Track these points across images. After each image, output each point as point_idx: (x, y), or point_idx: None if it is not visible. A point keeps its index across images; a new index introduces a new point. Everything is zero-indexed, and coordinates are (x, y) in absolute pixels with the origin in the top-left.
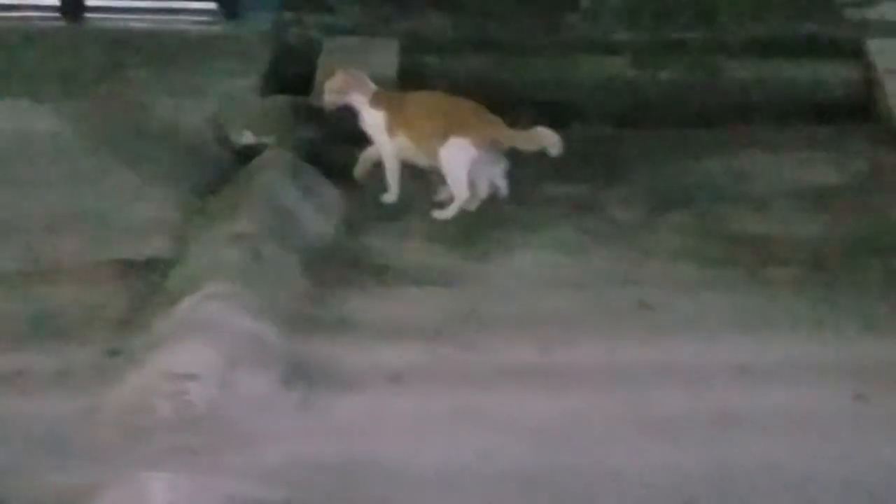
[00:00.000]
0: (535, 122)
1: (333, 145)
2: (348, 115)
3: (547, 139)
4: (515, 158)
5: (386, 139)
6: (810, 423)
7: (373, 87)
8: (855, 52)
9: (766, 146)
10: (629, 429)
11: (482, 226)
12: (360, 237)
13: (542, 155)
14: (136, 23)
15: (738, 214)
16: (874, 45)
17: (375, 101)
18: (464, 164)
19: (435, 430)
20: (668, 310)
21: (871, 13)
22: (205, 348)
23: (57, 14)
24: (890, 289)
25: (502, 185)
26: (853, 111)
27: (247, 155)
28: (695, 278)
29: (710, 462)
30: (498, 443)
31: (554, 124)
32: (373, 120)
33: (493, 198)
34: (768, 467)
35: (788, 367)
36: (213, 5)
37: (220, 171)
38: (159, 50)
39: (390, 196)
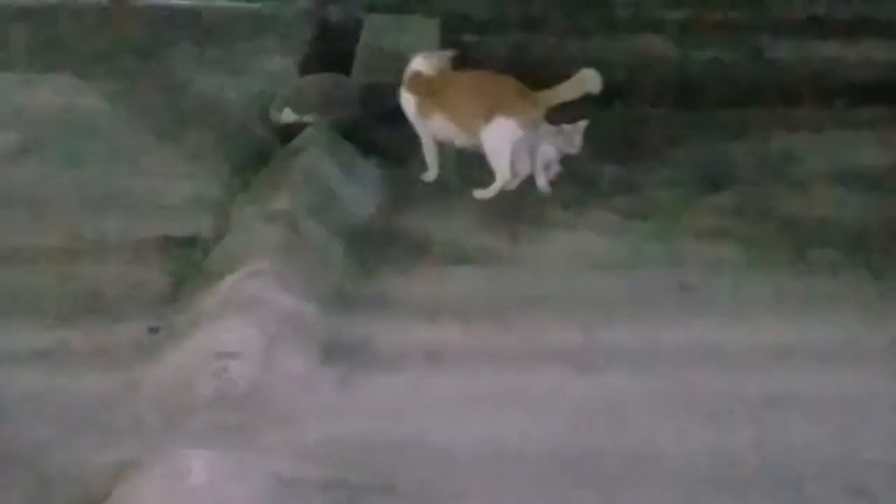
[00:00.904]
0: (578, 102)
1: (374, 124)
2: (383, 94)
3: (589, 81)
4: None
5: (417, 121)
6: (853, 405)
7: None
8: None
9: (809, 127)
10: (670, 410)
11: (523, 206)
12: (400, 216)
13: (587, 136)
14: (179, 1)
15: (780, 195)
16: None
17: (410, 83)
18: (507, 144)
19: (475, 409)
20: (709, 291)
21: None
22: (245, 326)
23: None
24: None
25: (550, 173)
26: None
27: (288, 133)
28: (736, 260)
29: (752, 444)
30: (538, 423)
31: (595, 104)
32: (405, 103)
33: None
34: (811, 450)
35: (831, 350)
36: None
37: (261, 149)
38: (201, 28)
39: (429, 175)
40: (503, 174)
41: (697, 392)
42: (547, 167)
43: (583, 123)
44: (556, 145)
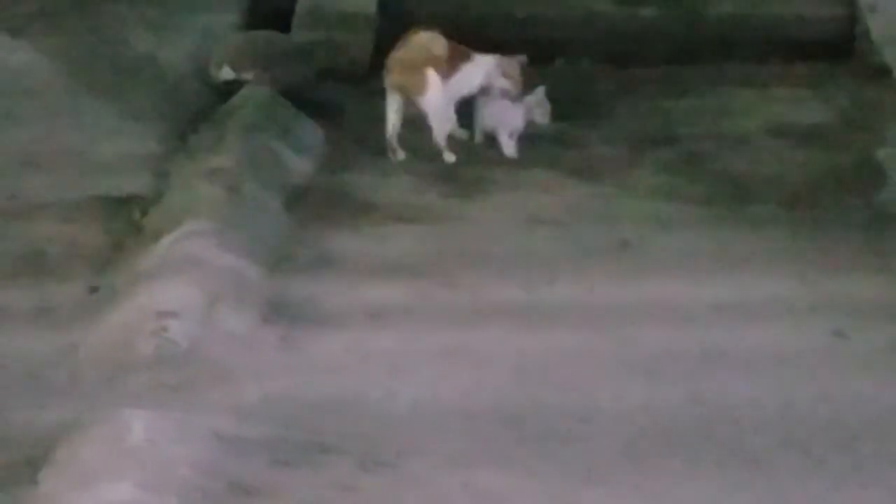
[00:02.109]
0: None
1: (314, 82)
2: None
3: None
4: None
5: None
6: (790, 360)
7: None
8: None
9: (748, 84)
10: (611, 366)
11: (464, 164)
12: (341, 175)
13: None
14: None
15: (719, 152)
16: None
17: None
18: (439, 102)
19: (417, 367)
20: (649, 248)
21: None
22: (185, 286)
23: None
24: (871, 227)
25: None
26: (836, 49)
27: (227, 91)
28: (676, 216)
29: (691, 400)
30: (480, 380)
31: (537, 61)
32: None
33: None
34: (749, 404)
35: (769, 305)
36: None
37: (200, 107)
38: None
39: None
40: (438, 132)
41: (637, 348)
42: (512, 135)
43: (541, 91)
44: (527, 116)
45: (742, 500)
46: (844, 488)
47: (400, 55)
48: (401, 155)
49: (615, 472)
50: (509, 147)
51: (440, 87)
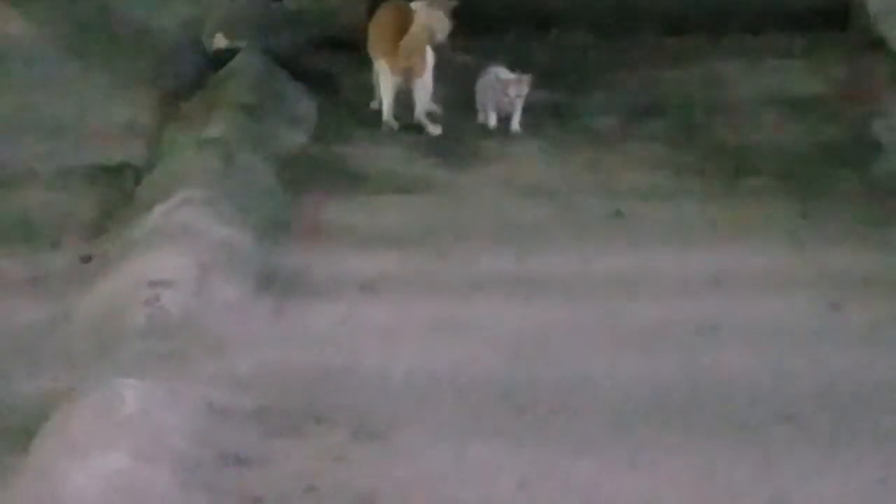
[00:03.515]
0: (514, 29)
1: (308, 51)
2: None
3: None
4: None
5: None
6: (785, 332)
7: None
8: None
9: (742, 55)
10: (604, 338)
11: (456, 135)
12: (334, 145)
13: (519, 62)
14: None
15: (713, 123)
16: None
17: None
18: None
19: (408, 338)
20: (642, 219)
21: None
22: (178, 255)
23: None
24: (865, 198)
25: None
26: (831, 19)
27: (220, 60)
28: (670, 187)
29: (685, 371)
30: (472, 352)
31: (532, 31)
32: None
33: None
34: (743, 376)
35: (763, 277)
36: None
37: (193, 75)
38: None
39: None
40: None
41: (631, 320)
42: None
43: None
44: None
45: (735, 471)
46: (838, 460)
47: (407, 42)
48: (395, 126)
49: (608, 444)
50: (492, 119)
51: (432, 63)
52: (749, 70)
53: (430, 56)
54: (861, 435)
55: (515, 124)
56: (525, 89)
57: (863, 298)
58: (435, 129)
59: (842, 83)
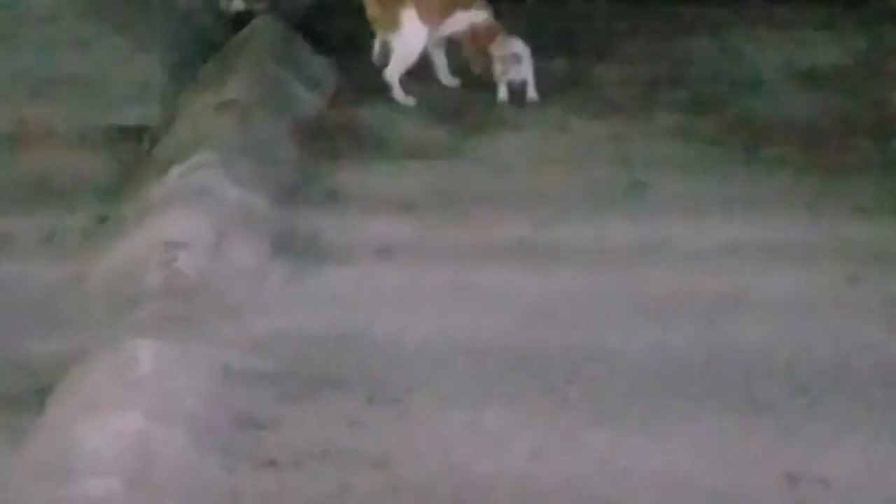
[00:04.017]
0: None
1: (325, 14)
2: None
3: None
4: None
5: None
6: (802, 304)
7: None
8: None
9: (761, 24)
10: (620, 307)
11: (475, 101)
12: (351, 109)
13: (532, 29)
14: None
15: (732, 93)
16: None
17: None
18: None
19: (425, 303)
20: (661, 189)
21: None
22: (194, 217)
23: None
24: (884, 171)
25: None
26: None
27: (238, 22)
28: (689, 158)
29: (701, 342)
30: (487, 318)
31: None
32: None
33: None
34: (760, 349)
35: (781, 249)
36: None
37: (211, 38)
38: None
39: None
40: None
41: (647, 290)
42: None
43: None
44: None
45: (749, 443)
46: (852, 434)
47: None
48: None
49: (622, 413)
50: (500, 92)
51: (418, 28)
52: (769, 40)
53: (408, 17)
54: (876, 408)
55: (532, 92)
56: (519, 61)
57: (881, 271)
58: (400, 96)
59: (862, 54)
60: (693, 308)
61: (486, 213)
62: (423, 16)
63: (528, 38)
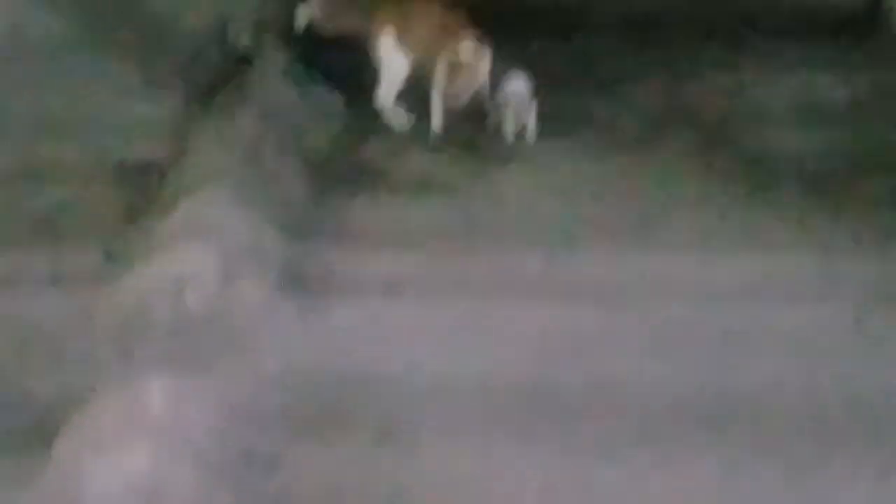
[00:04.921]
0: (537, 32)
1: (335, 51)
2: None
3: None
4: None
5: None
6: (812, 341)
7: None
8: None
9: (768, 62)
10: (630, 343)
11: (484, 136)
12: (360, 143)
13: (541, 65)
14: None
15: (741, 131)
16: None
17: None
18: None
19: (434, 340)
20: (670, 225)
21: None
22: (203, 252)
23: None
24: (893, 209)
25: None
26: (859, 27)
27: (246, 56)
28: (697, 195)
29: (712, 378)
30: (498, 354)
31: (555, 34)
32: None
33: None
34: (769, 385)
35: (790, 286)
36: None
37: (220, 73)
38: None
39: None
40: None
41: (657, 326)
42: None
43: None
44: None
45: (761, 481)
46: (865, 471)
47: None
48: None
49: (633, 450)
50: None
51: (397, 53)
52: (776, 78)
53: (385, 31)
54: (887, 447)
55: (531, 133)
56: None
57: (890, 309)
58: (397, 122)
59: (870, 92)
60: (703, 344)
61: (495, 249)
62: (403, 39)
63: (536, 74)
